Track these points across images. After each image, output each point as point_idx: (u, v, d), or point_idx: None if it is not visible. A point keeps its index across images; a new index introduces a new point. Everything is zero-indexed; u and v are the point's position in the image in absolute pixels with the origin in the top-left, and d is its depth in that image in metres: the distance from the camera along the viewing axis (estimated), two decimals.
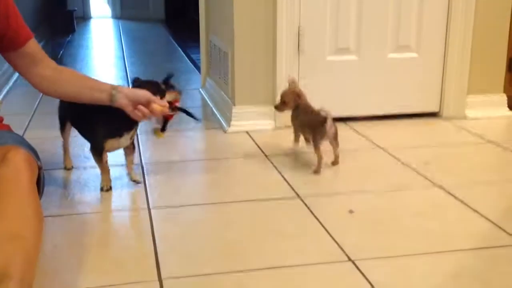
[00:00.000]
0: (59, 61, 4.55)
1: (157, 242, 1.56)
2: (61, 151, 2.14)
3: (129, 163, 2.00)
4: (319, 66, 2.65)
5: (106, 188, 1.91)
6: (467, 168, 2.16)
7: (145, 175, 2.06)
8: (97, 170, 1.95)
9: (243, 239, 1.60)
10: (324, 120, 2.04)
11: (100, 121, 1.84)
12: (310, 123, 2.12)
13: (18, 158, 1.29)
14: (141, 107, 1.71)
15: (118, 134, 1.86)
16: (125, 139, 1.89)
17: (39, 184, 1.44)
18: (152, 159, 2.25)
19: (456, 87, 2.76)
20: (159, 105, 1.74)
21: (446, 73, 2.74)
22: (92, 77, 1.81)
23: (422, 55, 2.73)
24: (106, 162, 1.92)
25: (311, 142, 2.13)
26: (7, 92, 3.21)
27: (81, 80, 1.76)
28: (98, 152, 1.88)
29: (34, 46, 1.67)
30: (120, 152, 2.29)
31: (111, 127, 1.85)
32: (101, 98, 1.71)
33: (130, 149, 1.98)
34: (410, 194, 1.92)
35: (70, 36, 6.03)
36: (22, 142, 1.57)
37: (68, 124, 2.06)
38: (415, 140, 2.49)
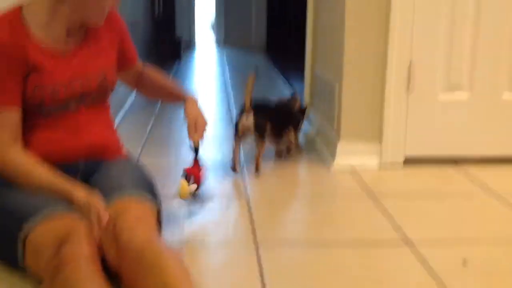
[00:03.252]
0: None
1: (265, 279, 1.55)
2: (172, 179, 2.21)
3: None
4: (429, 103, 2.57)
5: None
6: None
7: (251, 209, 2.08)
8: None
9: (353, 286, 1.56)
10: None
11: None
12: None
13: (141, 238, 1.39)
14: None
15: None
16: None
17: (160, 223, 1.53)
18: (257, 194, 2.26)
19: None
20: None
21: None
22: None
23: None
24: None
25: None
26: (121, 119, 3.37)
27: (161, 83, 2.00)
28: None
29: (139, 61, 1.89)
30: (226, 185, 2.33)
31: None
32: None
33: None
34: None
35: (177, 63, 6.25)
36: (139, 182, 1.64)
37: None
38: None
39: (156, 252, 1.36)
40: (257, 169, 2.44)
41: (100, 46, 1.69)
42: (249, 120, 2.38)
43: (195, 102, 1.97)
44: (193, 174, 1.99)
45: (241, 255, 1.73)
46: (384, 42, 2.51)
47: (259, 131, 2.41)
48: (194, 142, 1.99)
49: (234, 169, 2.44)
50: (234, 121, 2.48)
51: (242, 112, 2.41)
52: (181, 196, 1.97)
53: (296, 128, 2.69)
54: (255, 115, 2.39)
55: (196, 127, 1.95)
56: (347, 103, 2.59)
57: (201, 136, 1.97)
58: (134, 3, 4.76)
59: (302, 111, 2.75)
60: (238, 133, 2.42)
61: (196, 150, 2.02)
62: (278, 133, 2.56)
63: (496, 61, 2.55)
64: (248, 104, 2.39)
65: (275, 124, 2.49)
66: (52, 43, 1.58)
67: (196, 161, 2.03)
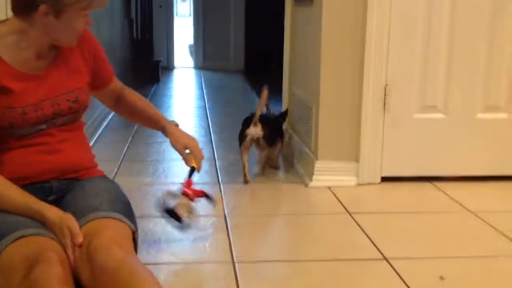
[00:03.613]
0: None
1: None
2: (148, 199, 2.19)
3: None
4: (405, 123, 2.60)
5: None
6: None
7: (228, 228, 2.07)
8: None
9: None
10: None
11: None
12: None
13: (116, 258, 1.36)
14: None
15: None
16: None
17: (135, 244, 1.50)
18: (235, 212, 2.25)
19: None
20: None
21: None
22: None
23: None
24: None
25: None
26: (96, 140, 3.34)
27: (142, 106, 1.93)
28: None
29: (116, 81, 1.84)
30: (203, 203, 2.32)
31: None
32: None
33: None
34: (504, 262, 1.82)
35: (155, 85, 6.25)
36: (114, 202, 1.61)
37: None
38: (506, 204, 2.38)
39: (131, 273, 1.34)
40: (263, 168, 2.73)
41: (71, 67, 1.66)
42: (257, 131, 2.61)
43: (177, 127, 1.93)
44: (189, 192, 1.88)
45: (218, 274, 1.72)
46: (360, 64, 2.54)
47: (268, 141, 2.66)
48: (193, 168, 1.88)
49: (246, 181, 2.60)
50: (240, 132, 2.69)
51: (248, 124, 2.64)
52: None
53: (282, 138, 2.93)
54: (263, 126, 2.63)
55: (193, 152, 1.89)
56: (324, 123, 2.61)
57: (201, 158, 1.90)
58: (112, 25, 4.77)
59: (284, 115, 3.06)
60: (245, 143, 2.63)
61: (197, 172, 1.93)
62: (272, 143, 2.78)
63: (470, 82, 2.60)
64: (258, 116, 2.62)
65: (273, 135, 2.75)
66: (21, 65, 1.56)
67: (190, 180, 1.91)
